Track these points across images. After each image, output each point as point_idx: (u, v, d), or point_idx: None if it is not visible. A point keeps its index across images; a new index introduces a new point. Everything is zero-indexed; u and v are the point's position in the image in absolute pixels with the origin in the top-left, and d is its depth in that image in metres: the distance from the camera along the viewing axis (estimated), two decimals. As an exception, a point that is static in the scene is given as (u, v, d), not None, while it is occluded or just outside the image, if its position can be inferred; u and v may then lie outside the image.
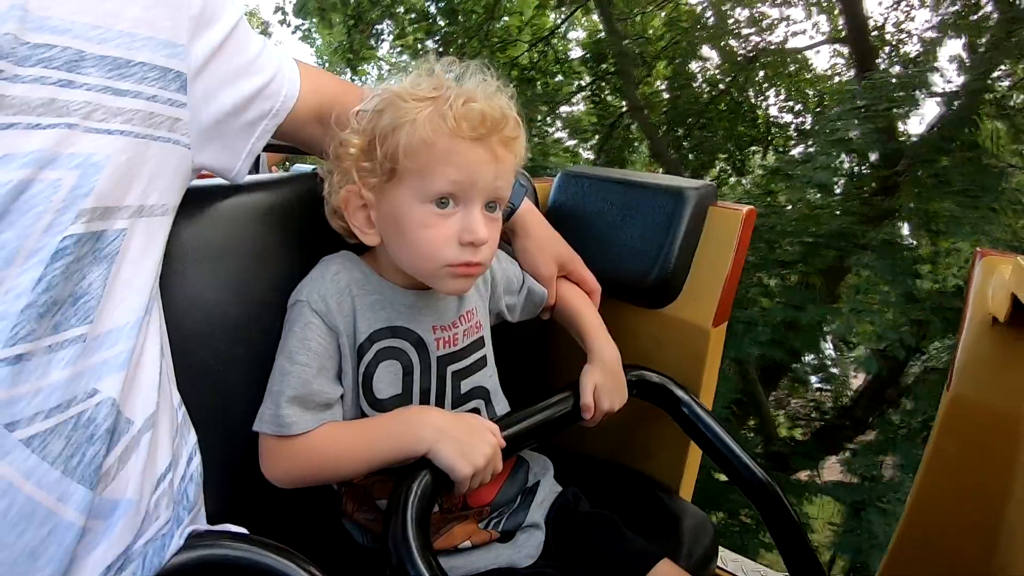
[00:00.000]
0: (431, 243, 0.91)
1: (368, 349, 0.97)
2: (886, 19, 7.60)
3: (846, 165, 5.83)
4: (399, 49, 9.71)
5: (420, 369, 1.01)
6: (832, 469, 6.10)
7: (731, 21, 8.07)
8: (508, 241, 1.21)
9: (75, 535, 0.64)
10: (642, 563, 1.03)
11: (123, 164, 0.67)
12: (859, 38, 7.02)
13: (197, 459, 0.85)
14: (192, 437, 0.85)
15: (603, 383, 1.11)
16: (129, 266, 0.70)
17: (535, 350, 1.49)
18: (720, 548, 1.63)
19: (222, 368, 0.96)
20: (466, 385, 1.06)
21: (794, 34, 8.18)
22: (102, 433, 0.66)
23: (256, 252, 1.02)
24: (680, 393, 1.25)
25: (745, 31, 8.02)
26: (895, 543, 1.31)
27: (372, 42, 9.63)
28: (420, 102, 0.89)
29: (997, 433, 1.17)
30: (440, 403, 1.03)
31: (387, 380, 0.98)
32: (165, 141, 0.74)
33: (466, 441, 0.91)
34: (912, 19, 7.46)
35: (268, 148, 0.99)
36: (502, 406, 1.11)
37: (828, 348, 6.57)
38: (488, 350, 1.11)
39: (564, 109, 9.34)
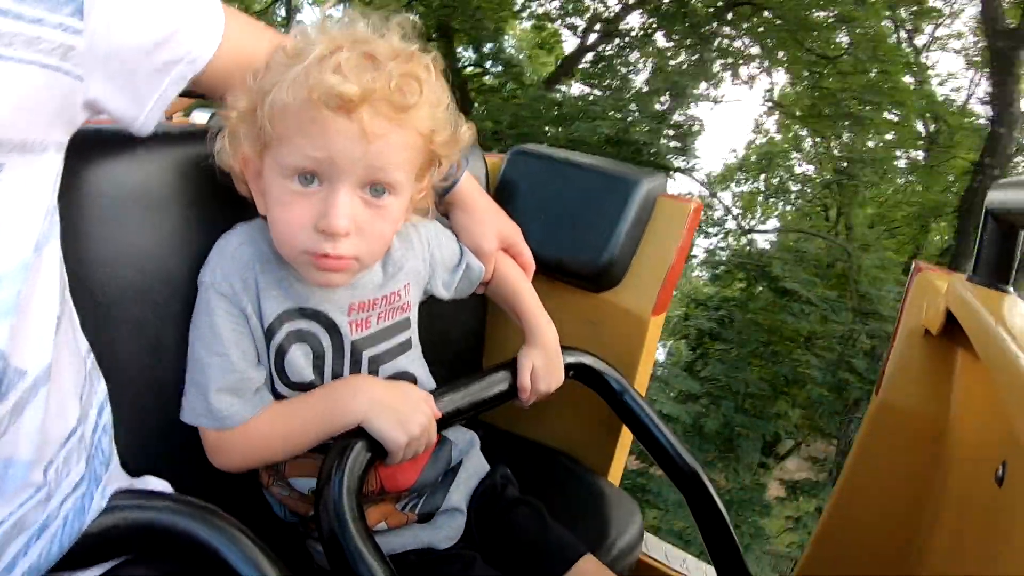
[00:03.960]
0: (287, 224, 0.82)
1: (277, 330, 0.91)
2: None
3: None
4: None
5: (332, 354, 0.95)
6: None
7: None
8: (446, 215, 1.17)
9: None
10: (565, 558, 1.02)
11: (1, 90, 0.60)
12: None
13: (107, 410, 0.81)
14: (102, 387, 0.81)
15: (540, 364, 1.10)
16: (8, 206, 0.63)
17: (471, 326, 1.48)
18: (645, 533, 1.66)
19: (160, 322, 0.92)
20: (387, 370, 1.00)
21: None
22: None
23: (201, 203, 0.96)
24: (617, 378, 1.25)
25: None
26: (815, 539, 1.36)
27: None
28: (292, 61, 0.79)
29: (920, 438, 1.21)
30: None
31: (300, 363, 0.92)
32: (55, 70, 0.65)
33: (401, 410, 0.89)
34: None
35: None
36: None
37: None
38: (413, 332, 1.05)
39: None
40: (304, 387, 0.93)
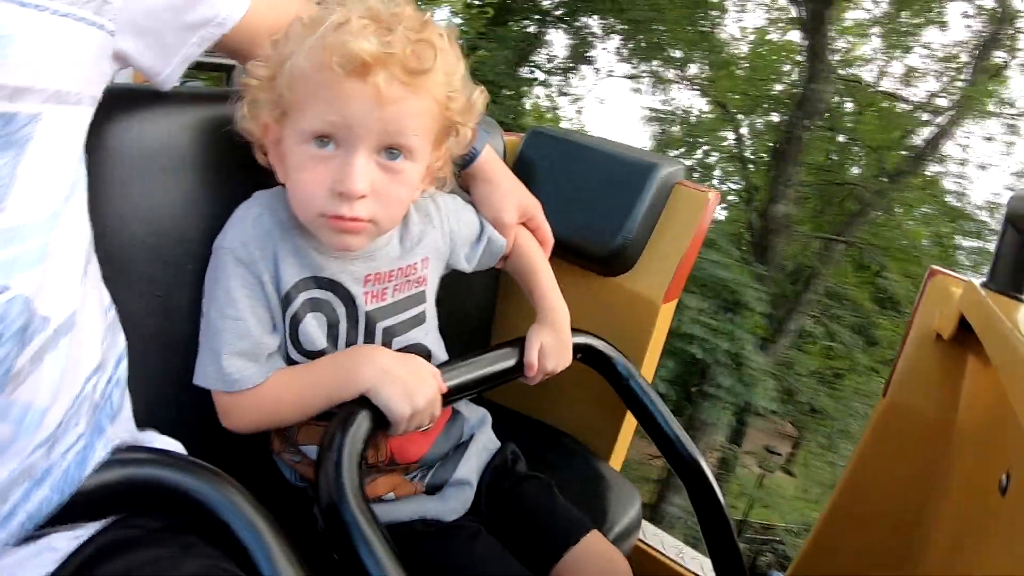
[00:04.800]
0: (304, 187, 0.84)
1: (294, 298, 0.92)
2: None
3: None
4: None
5: (347, 324, 0.96)
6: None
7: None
8: (466, 189, 1.18)
9: None
10: (573, 533, 1.04)
11: (38, 41, 0.61)
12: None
13: (124, 363, 0.81)
14: (121, 340, 0.82)
15: (549, 343, 1.10)
16: (43, 156, 0.64)
17: (482, 304, 1.48)
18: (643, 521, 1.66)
19: (171, 280, 0.92)
20: (400, 342, 1.00)
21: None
22: (14, 332, 0.61)
23: (217, 166, 0.97)
24: (624, 363, 1.25)
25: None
26: (816, 533, 1.36)
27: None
28: (309, 29, 0.81)
29: (926, 440, 1.21)
30: None
31: (315, 332, 0.94)
32: (89, 24, 0.67)
33: (407, 381, 0.89)
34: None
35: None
36: None
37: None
38: (429, 306, 1.06)
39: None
40: (317, 355, 0.94)
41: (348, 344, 0.96)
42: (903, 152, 10.08)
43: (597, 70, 12.09)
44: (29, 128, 0.62)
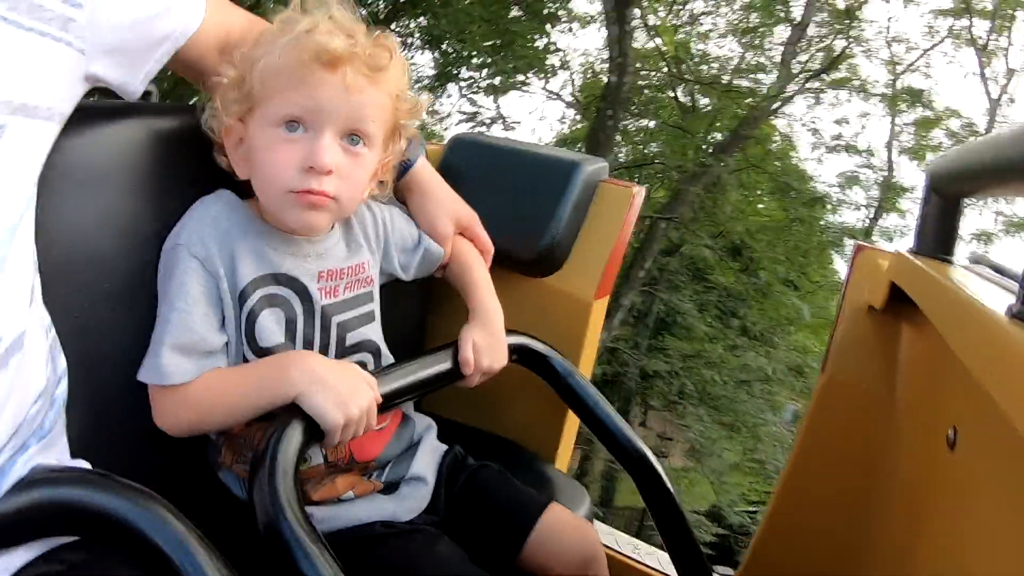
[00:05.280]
0: (274, 165, 0.91)
1: (250, 295, 0.95)
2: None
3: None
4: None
5: (303, 319, 0.99)
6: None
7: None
8: (403, 200, 1.19)
9: None
10: (535, 509, 1.10)
11: (3, 53, 0.62)
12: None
13: (64, 384, 0.79)
14: (62, 362, 0.80)
15: (482, 341, 1.10)
16: (6, 167, 0.64)
17: (413, 312, 1.46)
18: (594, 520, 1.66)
19: (87, 304, 0.89)
20: (353, 337, 1.04)
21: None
22: None
23: (135, 182, 0.95)
24: (561, 361, 1.25)
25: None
26: (767, 517, 1.38)
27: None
28: (281, 33, 0.90)
29: (868, 413, 1.25)
30: (325, 354, 1.01)
31: (272, 328, 0.96)
32: (56, 40, 0.69)
33: (340, 389, 0.88)
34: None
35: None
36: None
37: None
38: (376, 306, 1.10)
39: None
40: (273, 352, 0.95)
41: (306, 339, 0.99)
42: (718, 136, 10.61)
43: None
44: None
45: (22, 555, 0.68)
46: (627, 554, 1.74)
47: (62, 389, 0.79)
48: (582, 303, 1.36)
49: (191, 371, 0.90)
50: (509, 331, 1.17)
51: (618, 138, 10.48)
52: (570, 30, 10.79)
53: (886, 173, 11.75)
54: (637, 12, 9.44)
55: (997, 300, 0.78)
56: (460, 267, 1.21)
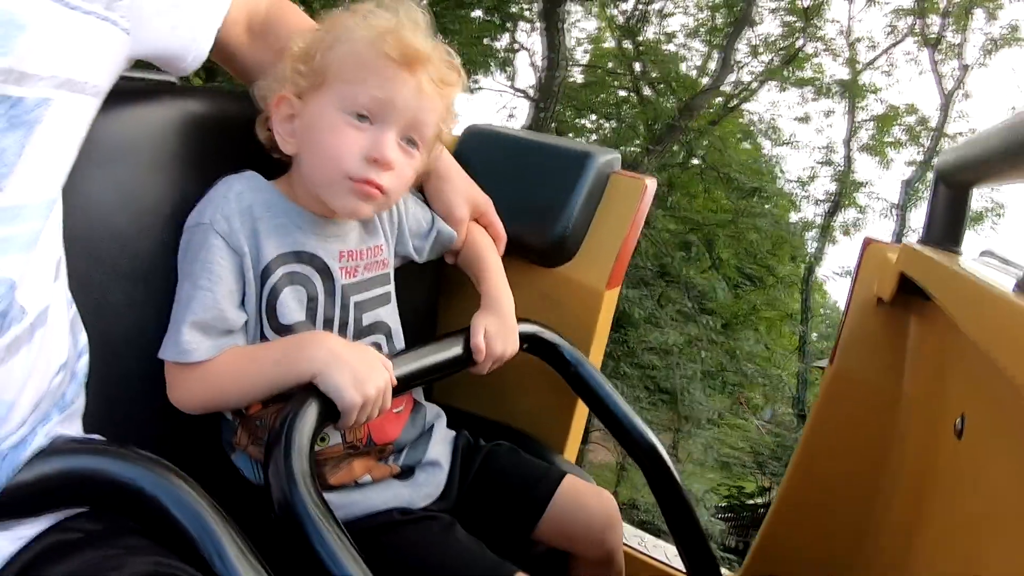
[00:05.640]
0: (337, 148, 0.92)
1: (272, 272, 0.96)
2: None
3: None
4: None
5: (324, 296, 1.01)
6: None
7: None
8: (420, 188, 1.20)
9: None
10: (551, 481, 1.13)
11: (49, 31, 0.62)
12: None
13: (85, 359, 0.80)
14: (83, 338, 0.81)
15: (493, 328, 1.11)
16: (50, 140, 0.65)
17: (424, 297, 1.47)
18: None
19: (106, 280, 0.90)
20: (369, 318, 1.06)
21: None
22: None
23: (159, 161, 0.96)
24: (572, 351, 1.26)
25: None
26: (775, 507, 1.38)
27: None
28: (364, 21, 0.93)
29: (877, 404, 1.25)
30: (343, 333, 1.02)
31: (292, 305, 0.97)
32: (100, 18, 0.69)
33: (359, 369, 0.89)
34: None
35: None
36: (401, 347, 1.10)
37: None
38: (391, 288, 1.12)
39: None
40: (294, 330, 0.97)
41: (326, 318, 1.01)
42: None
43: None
44: (39, 111, 0.63)
45: (35, 525, 0.70)
46: (633, 546, 1.75)
47: (83, 364, 0.80)
48: (593, 293, 1.37)
49: (211, 349, 0.91)
50: (520, 319, 1.18)
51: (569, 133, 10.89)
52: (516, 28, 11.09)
53: (843, 168, 12.16)
54: (574, 9, 9.96)
55: (1006, 281, 0.78)
56: (473, 254, 1.22)
